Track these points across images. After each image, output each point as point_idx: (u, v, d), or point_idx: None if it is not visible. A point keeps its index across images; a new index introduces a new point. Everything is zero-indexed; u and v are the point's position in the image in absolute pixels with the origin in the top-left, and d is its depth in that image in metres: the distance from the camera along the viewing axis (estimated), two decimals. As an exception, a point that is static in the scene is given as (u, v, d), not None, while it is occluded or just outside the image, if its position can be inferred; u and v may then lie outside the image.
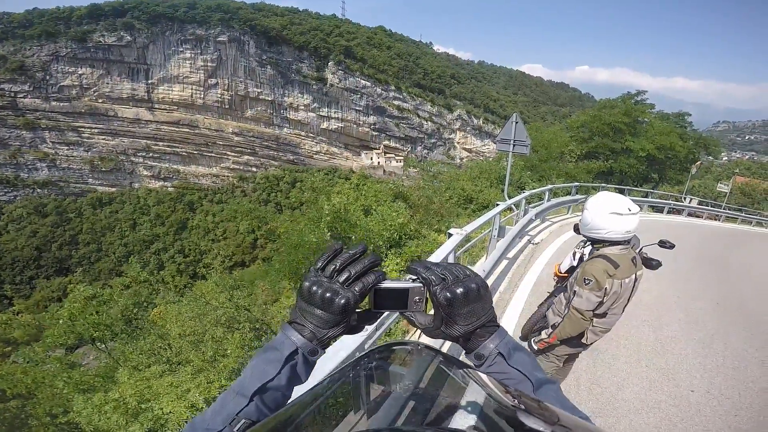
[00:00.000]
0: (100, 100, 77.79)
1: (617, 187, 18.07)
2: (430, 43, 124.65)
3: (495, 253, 5.90)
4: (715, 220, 20.99)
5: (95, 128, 78.35)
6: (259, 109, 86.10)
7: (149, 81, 79.83)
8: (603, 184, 16.27)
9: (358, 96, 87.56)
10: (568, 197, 12.07)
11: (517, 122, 9.24)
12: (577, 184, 13.07)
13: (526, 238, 8.70)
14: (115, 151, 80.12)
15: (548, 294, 4.27)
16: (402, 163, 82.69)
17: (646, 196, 18.89)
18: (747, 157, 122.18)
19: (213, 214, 75.95)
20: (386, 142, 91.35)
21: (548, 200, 10.38)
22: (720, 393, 3.64)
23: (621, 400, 3.41)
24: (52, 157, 75.45)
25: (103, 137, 79.34)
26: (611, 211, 2.30)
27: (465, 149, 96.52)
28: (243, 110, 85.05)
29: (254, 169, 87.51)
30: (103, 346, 10.63)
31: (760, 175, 39.40)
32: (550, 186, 10.87)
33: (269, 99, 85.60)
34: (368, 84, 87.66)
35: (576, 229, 3.84)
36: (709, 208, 21.82)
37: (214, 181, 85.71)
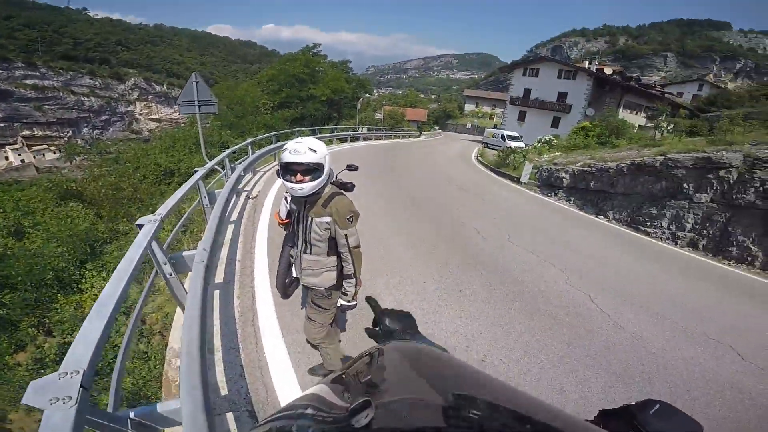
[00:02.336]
0: None
1: (310, 128, 20.41)
2: (84, 9, 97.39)
3: (213, 216, 5.43)
4: (380, 139, 27.91)
5: None
6: None
7: None
8: (298, 129, 17.97)
9: None
10: (271, 146, 12.61)
11: (197, 81, 8.64)
12: (275, 132, 13.77)
13: (243, 194, 8.55)
14: None
15: (283, 244, 4.28)
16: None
17: (333, 132, 22.49)
18: (388, 91, 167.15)
19: None
20: (27, 132, 65.69)
21: (252, 153, 10.45)
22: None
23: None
24: None
25: None
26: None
27: (152, 120, 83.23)
28: None
29: None
30: None
31: (396, 103, 54.49)
32: (251, 139, 10.88)
33: None
34: (-32, 66, 59.62)
35: (280, 173, 3.91)
36: (374, 131, 28.64)
37: None
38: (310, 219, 2.35)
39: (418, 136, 36.20)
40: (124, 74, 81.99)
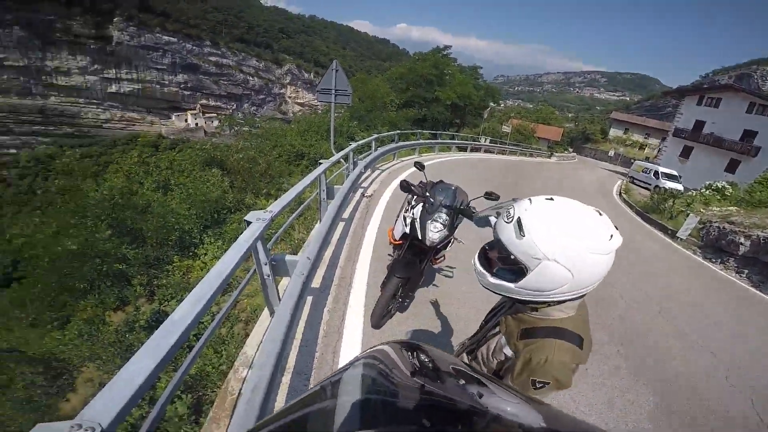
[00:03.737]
0: None
1: (431, 132, 19.98)
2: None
3: (327, 218, 5.26)
4: (503, 154, 26.08)
5: None
6: (4, 77, 62.87)
7: None
8: (420, 130, 17.67)
9: (160, 53, 74.09)
10: (393, 144, 12.49)
11: (337, 70, 8.69)
12: (398, 131, 13.64)
13: (360, 191, 8.44)
14: None
15: (389, 272, 3.58)
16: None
17: (453, 138, 21.69)
18: (517, 103, 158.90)
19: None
20: (204, 101, 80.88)
21: (375, 149, 10.36)
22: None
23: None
24: None
25: None
26: (593, 249, 1.00)
27: (297, 103, 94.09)
28: (-22, 82, 60.66)
29: (14, 151, 64.66)
30: None
31: (526, 117, 50.81)
32: (375, 135, 10.85)
33: (20, 65, 63.56)
34: (173, 40, 75.44)
35: (405, 187, 3.36)
36: (498, 144, 26.89)
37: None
38: (497, 328, 1.39)
39: (549, 157, 32.95)
40: (282, 60, 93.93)
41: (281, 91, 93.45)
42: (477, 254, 1.29)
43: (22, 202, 50.13)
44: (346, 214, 6.85)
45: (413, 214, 3.32)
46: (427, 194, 3.25)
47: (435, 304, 4.09)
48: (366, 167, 9.17)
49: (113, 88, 71.35)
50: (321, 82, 8.93)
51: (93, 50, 68.05)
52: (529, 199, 1.08)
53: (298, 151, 13.07)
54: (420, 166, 3.69)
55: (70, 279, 6.29)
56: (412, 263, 3.35)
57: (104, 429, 1.17)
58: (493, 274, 1.19)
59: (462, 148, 21.29)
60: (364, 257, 5.18)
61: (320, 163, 6.03)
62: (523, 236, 1.03)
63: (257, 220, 3.00)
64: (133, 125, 74.70)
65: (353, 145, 8.38)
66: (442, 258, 3.65)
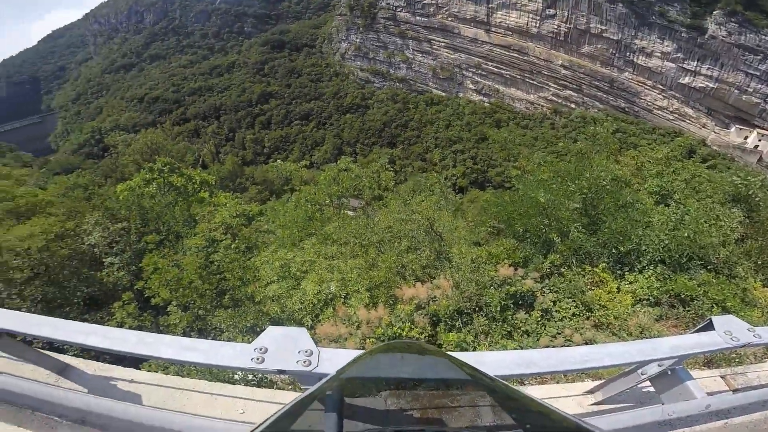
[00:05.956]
0: (449, 19, 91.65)
1: None
2: None
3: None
4: None
5: (442, 42, 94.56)
6: (598, 46, 76.39)
7: (489, 5, 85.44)
8: None
9: (759, 57, 60.87)
10: None
11: None
12: None
13: None
14: (452, 63, 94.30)
15: None
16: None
17: None
18: None
19: (514, 138, 79.06)
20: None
21: None
22: None
23: None
24: (410, 61, 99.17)
25: (446, 50, 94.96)
26: None
27: None
28: (579, 45, 78.39)
29: (573, 106, 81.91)
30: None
31: None
32: None
33: (614, 38, 73.86)
34: (781, 45, 60.06)
35: None
36: None
37: (527, 107, 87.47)
38: None
39: None
40: None
41: None
42: None
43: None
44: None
45: None
46: None
47: None
48: None
49: (685, 80, 67.96)
50: None
51: (682, 38, 66.24)
52: None
53: None
54: None
55: (522, 219, 7.27)
56: None
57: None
58: None
59: None
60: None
61: None
62: None
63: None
64: (682, 120, 69.99)
65: None
66: None
